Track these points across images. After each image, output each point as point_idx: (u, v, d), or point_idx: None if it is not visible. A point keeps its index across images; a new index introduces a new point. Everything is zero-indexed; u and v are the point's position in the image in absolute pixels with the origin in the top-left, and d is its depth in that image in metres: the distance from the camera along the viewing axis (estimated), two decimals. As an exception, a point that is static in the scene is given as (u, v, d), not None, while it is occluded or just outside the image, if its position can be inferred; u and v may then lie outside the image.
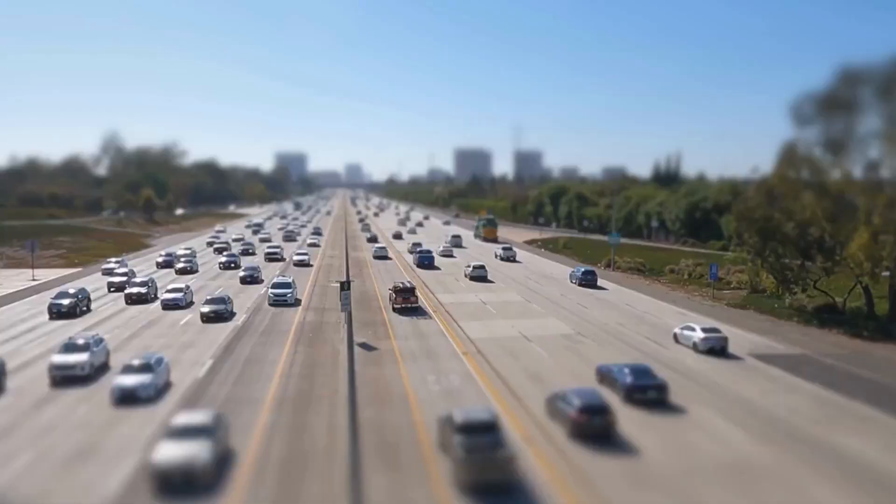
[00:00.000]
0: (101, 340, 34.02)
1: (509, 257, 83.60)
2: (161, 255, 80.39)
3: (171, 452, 20.27)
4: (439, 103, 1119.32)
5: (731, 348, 37.81)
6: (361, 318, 45.46)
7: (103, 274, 67.47)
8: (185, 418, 22.45)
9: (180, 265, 72.33)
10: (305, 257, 79.49)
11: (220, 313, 44.91)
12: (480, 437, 20.47)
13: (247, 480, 20.62)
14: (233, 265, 74.43)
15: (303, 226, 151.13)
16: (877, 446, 23.67)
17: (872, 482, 20.84)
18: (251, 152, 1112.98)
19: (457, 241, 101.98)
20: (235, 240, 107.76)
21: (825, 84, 44.93)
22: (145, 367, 29.06)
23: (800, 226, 45.91)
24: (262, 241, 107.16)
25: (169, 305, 49.20)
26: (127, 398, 27.55)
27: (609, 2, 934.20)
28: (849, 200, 45.00)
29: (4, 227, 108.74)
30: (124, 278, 59.94)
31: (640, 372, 28.96)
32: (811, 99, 44.84)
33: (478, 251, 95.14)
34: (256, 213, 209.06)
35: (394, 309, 48.53)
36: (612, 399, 27.22)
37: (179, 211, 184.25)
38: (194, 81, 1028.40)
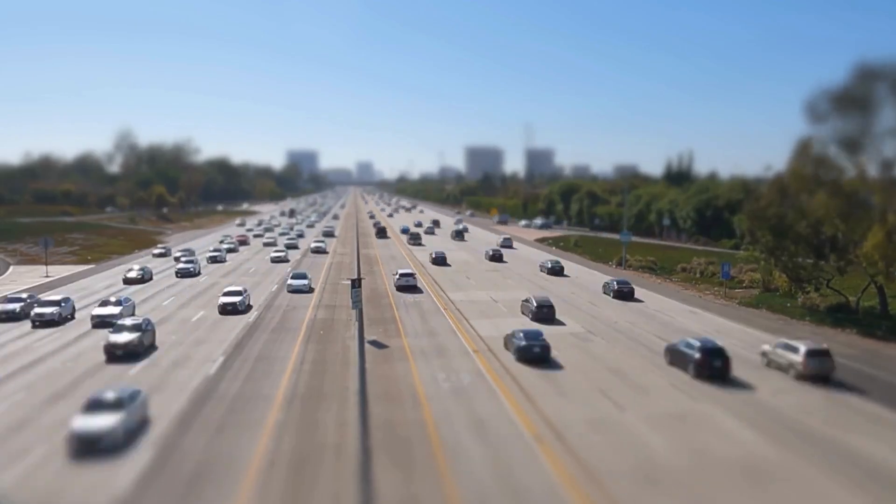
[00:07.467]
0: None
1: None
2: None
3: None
4: (451, 101, 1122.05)
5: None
6: (372, 315, 45.57)
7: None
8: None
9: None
10: None
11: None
12: None
13: (256, 476, 20.71)
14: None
15: None
16: (889, 447, 23.46)
17: (884, 483, 20.65)
18: (263, 150, 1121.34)
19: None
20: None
21: (841, 81, 44.52)
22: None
23: (813, 224, 45.51)
24: None
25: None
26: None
27: (622, 1, 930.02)
28: (863, 199, 44.56)
29: (18, 224, 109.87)
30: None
31: None
32: (826, 95, 44.38)
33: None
34: (268, 210, 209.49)
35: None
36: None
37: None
38: (208, 81, 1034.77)
